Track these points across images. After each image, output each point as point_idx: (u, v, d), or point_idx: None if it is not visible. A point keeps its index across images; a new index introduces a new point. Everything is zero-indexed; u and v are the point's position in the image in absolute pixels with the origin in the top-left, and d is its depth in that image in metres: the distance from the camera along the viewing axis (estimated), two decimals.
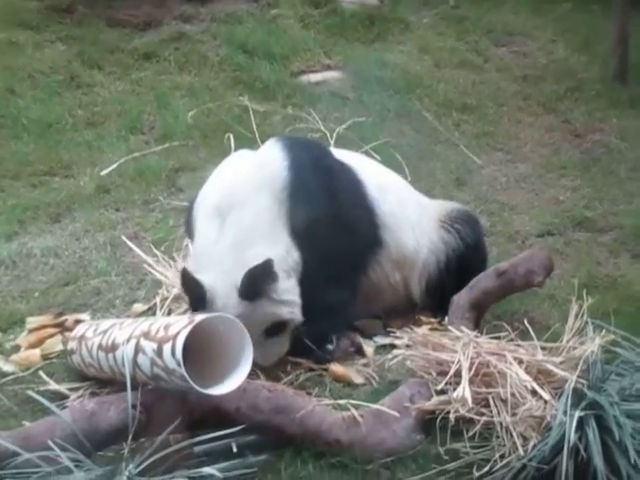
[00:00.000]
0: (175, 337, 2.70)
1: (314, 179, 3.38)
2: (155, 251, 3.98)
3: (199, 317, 2.75)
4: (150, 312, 3.66)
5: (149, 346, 2.79)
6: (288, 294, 3.24)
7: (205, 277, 3.19)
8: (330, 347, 3.34)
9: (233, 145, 4.95)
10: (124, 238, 4.18)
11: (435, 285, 3.66)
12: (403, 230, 3.59)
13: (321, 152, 3.60)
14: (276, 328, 3.25)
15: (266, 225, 3.24)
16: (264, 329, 3.23)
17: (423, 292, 3.68)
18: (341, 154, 3.68)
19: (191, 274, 3.18)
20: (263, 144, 3.60)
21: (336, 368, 3.29)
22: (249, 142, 5.03)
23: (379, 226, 3.54)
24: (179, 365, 2.67)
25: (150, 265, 3.85)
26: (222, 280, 3.18)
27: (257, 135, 5.10)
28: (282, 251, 3.24)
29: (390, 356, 3.19)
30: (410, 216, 3.65)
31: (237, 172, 3.40)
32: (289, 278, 3.25)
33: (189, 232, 3.51)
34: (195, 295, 3.19)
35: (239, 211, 3.25)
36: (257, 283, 3.15)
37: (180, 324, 2.74)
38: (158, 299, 3.68)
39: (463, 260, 3.67)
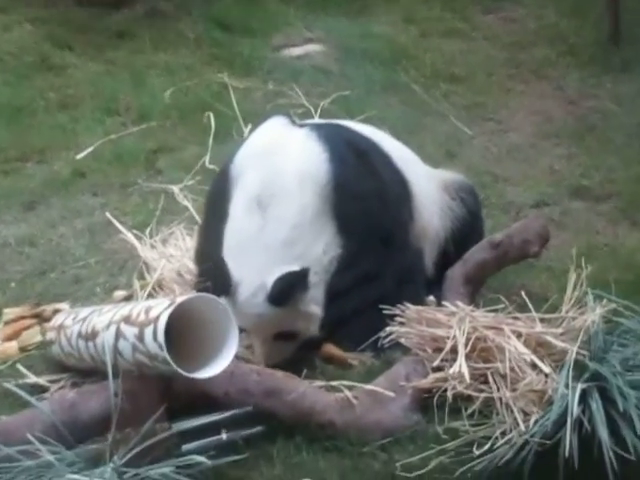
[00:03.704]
0: (156, 320, 2.66)
1: (356, 168, 3.36)
2: (140, 234, 3.98)
3: (180, 298, 2.72)
4: (131, 299, 3.60)
5: (130, 331, 2.76)
6: (313, 305, 3.22)
7: (235, 268, 3.17)
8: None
9: (213, 124, 4.97)
10: (109, 215, 4.16)
11: (443, 254, 3.64)
12: (422, 201, 3.57)
13: (351, 135, 3.56)
14: (288, 335, 3.25)
15: (308, 223, 3.22)
16: (276, 333, 3.22)
17: (434, 264, 3.64)
18: (355, 127, 3.67)
19: (224, 261, 3.18)
20: (296, 125, 3.52)
21: (329, 348, 3.26)
22: (229, 120, 5.05)
23: (410, 201, 3.52)
24: (162, 349, 2.63)
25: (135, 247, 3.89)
26: (252, 276, 3.16)
27: (238, 112, 5.09)
28: (320, 252, 3.23)
29: (383, 334, 3.16)
30: (424, 185, 3.62)
31: (278, 159, 3.32)
32: (318, 285, 3.23)
33: (214, 205, 3.46)
34: (220, 282, 3.17)
35: (282, 205, 3.22)
36: (289, 291, 3.13)
37: (161, 306, 2.70)
38: (138, 285, 3.66)
39: (466, 229, 3.67)
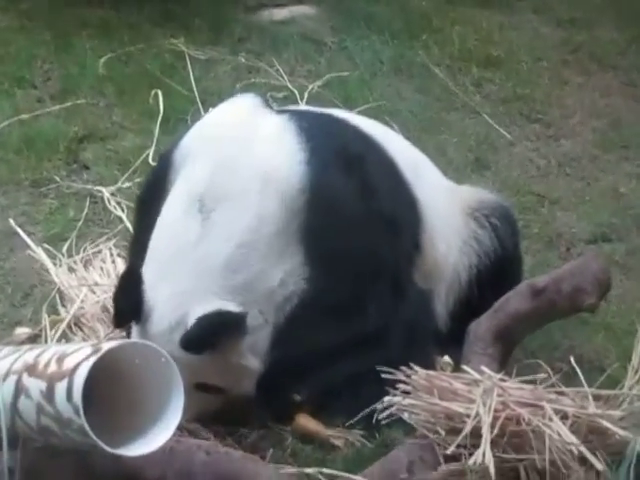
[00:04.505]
0: (72, 373, 2.64)
1: (343, 177, 3.37)
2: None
3: (107, 344, 2.70)
4: (39, 339, 3.62)
5: (35, 386, 2.73)
6: (250, 356, 3.23)
7: (153, 288, 3.19)
8: None
9: (162, 106, 5.00)
10: (12, 223, 4.19)
11: (465, 302, 3.68)
12: (437, 227, 3.60)
13: (343, 131, 3.58)
14: (210, 387, 3.26)
15: (265, 243, 3.22)
16: (195, 383, 3.21)
17: (450, 313, 3.68)
18: (352, 120, 3.69)
19: (140, 275, 3.19)
20: (271, 110, 3.54)
21: (305, 421, 3.27)
22: (184, 102, 5.09)
23: (418, 226, 3.54)
24: (78, 413, 2.61)
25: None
26: (173, 303, 3.17)
27: (196, 92, 5.15)
28: (274, 284, 3.23)
29: (379, 406, 3.16)
30: (441, 205, 3.65)
31: (237, 150, 3.32)
32: (262, 329, 3.24)
33: (147, 202, 3.48)
34: (129, 303, 3.19)
35: (231, 213, 3.22)
36: (211, 338, 3.12)
37: (80, 354, 2.68)
38: (49, 321, 3.66)
39: (497, 269, 3.70)
